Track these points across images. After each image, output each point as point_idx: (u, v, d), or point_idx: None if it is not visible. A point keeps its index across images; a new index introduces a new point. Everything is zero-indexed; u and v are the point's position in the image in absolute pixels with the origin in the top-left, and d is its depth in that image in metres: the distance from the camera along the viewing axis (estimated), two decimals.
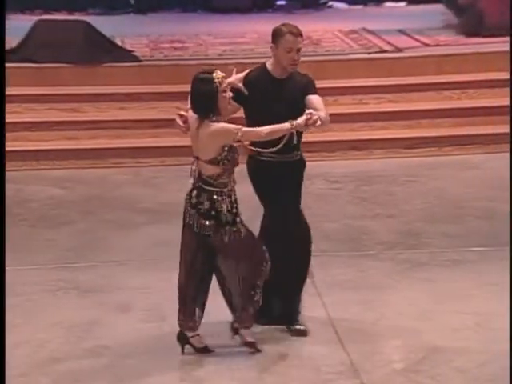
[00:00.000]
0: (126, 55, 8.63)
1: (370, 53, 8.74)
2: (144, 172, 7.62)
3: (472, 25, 9.11)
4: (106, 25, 9.24)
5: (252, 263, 4.43)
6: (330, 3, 12.01)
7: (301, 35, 4.55)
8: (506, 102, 8.07)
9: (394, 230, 6.17)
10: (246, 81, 4.60)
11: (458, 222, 6.25)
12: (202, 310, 4.50)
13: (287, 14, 11.39)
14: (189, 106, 4.46)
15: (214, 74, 4.37)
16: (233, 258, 4.42)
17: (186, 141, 4.58)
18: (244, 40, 9.59)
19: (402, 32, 9.56)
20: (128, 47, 8.96)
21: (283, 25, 4.59)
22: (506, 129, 7.96)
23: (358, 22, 10.33)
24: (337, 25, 10.29)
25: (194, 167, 4.41)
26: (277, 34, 4.54)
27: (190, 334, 4.49)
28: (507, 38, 8.73)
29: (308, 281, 5.30)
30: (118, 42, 9.01)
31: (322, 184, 7.32)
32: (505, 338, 4.54)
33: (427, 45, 8.93)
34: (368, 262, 5.62)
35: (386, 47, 8.89)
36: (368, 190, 7.13)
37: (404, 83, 8.32)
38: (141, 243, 6.03)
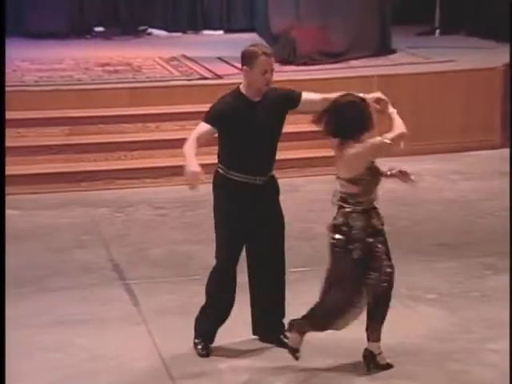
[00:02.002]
0: None
1: (190, 79, 8.83)
2: None
3: (285, 53, 9.41)
4: None
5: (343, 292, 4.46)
6: (150, 30, 12.04)
7: (273, 55, 4.53)
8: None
9: None
10: (222, 106, 4.51)
11: None
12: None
13: (106, 40, 11.32)
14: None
15: (357, 95, 4.43)
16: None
17: None
18: (62, 66, 9.43)
19: (221, 59, 9.74)
20: None
21: (254, 45, 4.55)
22: (320, 153, 8.31)
23: (178, 49, 10.43)
24: (157, 52, 10.33)
25: (337, 188, 4.47)
26: (250, 56, 4.47)
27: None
28: (319, 66, 9.12)
29: (133, 309, 5.27)
30: None
31: (147, 210, 7.30)
32: (323, 353, 4.69)
33: None
34: (194, 286, 5.63)
35: (206, 74, 9.02)
36: (193, 215, 7.18)
37: None
38: None
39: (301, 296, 5.37)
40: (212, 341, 4.75)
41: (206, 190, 7.96)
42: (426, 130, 8.62)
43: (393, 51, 9.79)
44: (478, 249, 5.68)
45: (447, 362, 4.56)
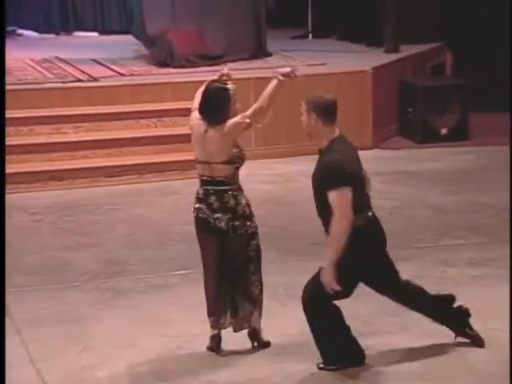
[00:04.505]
0: None
1: (64, 82, 8.69)
2: None
3: (162, 55, 9.39)
4: None
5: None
6: (20, 31, 11.74)
7: None
8: None
9: (97, 259, 6.18)
10: (346, 161, 4.67)
11: (161, 247, 6.40)
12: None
13: None
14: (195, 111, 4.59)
15: (230, 86, 4.52)
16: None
17: None
18: None
19: (95, 61, 9.63)
20: None
21: (319, 93, 4.68)
22: None
23: (51, 51, 10.23)
24: (28, 53, 10.10)
25: (202, 172, 4.63)
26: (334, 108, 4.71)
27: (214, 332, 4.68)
28: (196, 69, 9.16)
29: (6, 319, 5.13)
30: None
31: (22, 217, 7.14)
32: (207, 358, 4.73)
33: (122, 74, 9.06)
34: (71, 293, 5.56)
35: (81, 76, 8.89)
36: (70, 220, 7.07)
37: (101, 112, 8.38)
38: None
39: (181, 300, 5.40)
40: None
41: (84, 194, 7.88)
42: (300, 132, 8.77)
43: (269, 54, 9.94)
44: None
45: None
